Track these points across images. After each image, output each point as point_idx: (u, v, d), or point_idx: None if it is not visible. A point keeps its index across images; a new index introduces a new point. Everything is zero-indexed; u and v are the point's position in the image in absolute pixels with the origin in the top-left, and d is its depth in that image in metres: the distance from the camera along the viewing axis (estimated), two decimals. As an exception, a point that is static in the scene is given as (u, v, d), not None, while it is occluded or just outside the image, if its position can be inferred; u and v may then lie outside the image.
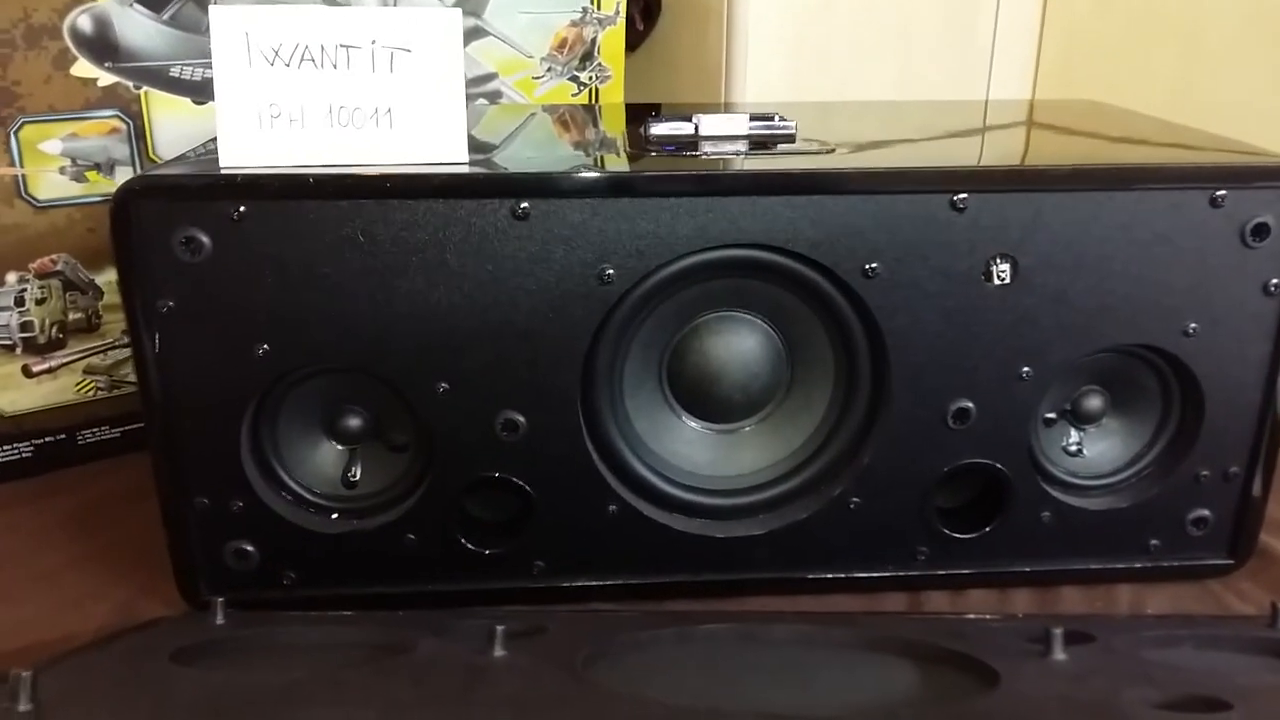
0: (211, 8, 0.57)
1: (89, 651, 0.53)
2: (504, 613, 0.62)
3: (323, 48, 0.57)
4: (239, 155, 0.58)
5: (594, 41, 0.94)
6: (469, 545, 0.65)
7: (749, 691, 0.52)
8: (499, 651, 0.50)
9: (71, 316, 0.83)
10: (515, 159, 0.68)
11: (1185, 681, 0.48)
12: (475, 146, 0.67)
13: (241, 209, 0.57)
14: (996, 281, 0.62)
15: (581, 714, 0.46)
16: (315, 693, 0.48)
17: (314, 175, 0.57)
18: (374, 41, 0.57)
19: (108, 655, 0.53)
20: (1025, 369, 0.63)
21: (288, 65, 0.57)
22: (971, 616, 0.65)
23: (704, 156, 0.65)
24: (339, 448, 0.65)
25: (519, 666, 0.50)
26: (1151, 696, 0.46)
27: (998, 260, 0.61)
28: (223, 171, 0.58)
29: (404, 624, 0.57)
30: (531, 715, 0.46)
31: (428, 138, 0.59)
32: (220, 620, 0.57)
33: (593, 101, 0.96)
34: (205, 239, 0.57)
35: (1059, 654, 0.50)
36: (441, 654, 0.52)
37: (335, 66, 0.57)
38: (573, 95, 0.95)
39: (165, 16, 0.79)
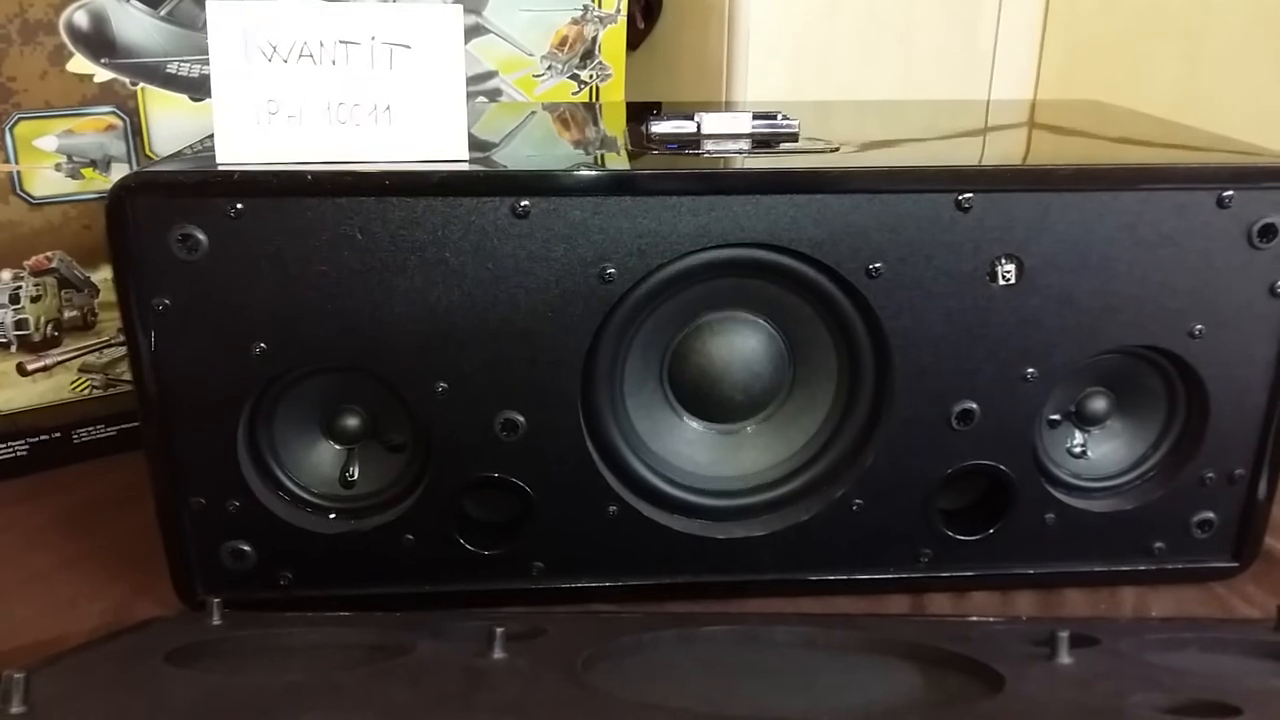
0: (209, 3, 0.56)
1: (83, 652, 0.53)
2: (503, 614, 0.61)
3: (321, 44, 0.56)
4: (236, 152, 0.57)
5: (595, 40, 0.93)
6: (468, 546, 0.64)
7: (750, 694, 0.52)
8: (498, 654, 0.50)
9: (67, 314, 0.82)
10: (515, 157, 0.67)
11: (1192, 685, 0.47)
12: (475, 145, 0.66)
13: (239, 206, 0.56)
14: (1001, 282, 0.61)
15: (582, 718, 0.46)
16: (311, 695, 0.47)
17: (312, 172, 0.57)
18: (373, 38, 0.57)
19: (102, 656, 0.52)
20: (1030, 370, 0.63)
21: (286, 61, 0.56)
22: (975, 619, 0.65)
23: (706, 155, 0.64)
24: (337, 447, 0.64)
25: (518, 669, 0.49)
26: (1158, 701, 0.45)
27: (1002, 260, 0.61)
28: (220, 168, 0.57)
29: (402, 625, 0.56)
30: (531, 719, 0.45)
31: (427, 135, 0.59)
32: (216, 620, 0.57)
33: (593, 100, 0.95)
34: (202, 236, 0.57)
35: (1064, 657, 0.50)
36: (440, 656, 0.51)
37: (334, 63, 0.57)
38: (573, 93, 0.94)
39: (162, 12, 0.78)
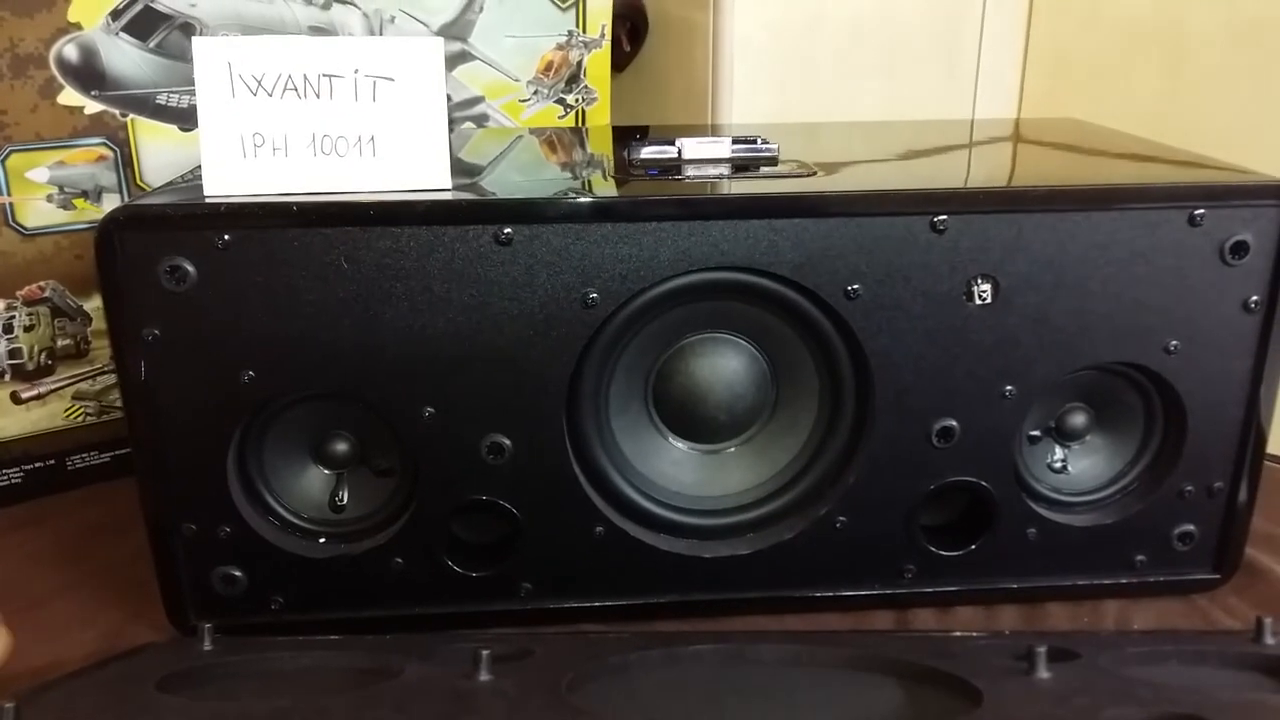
0: (195, 39, 0.57)
1: (75, 680, 0.53)
2: (491, 635, 0.62)
3: (305, 77, 0.57)
4: (223, 184, 0.58)
5: (580, 64, 0.94)
6: (456, 568, 0.65)
7: (735, 713, 0.52)
8: (484, 676, 0.50)
9: (60, 343, 0.83)
10: (500, 183, 0.68)
11: (1168, 699, 0.48)
12: (461, 170, 0.67)
13: (226, 238, 0.57)
14: (978, 302, 0.62)
15: None
16: None
17: (298, 203, 0.58)
18: (356, 71, 0.58)
19: (94, 684, 0.53)
20: (1008, 388, 0.64)
21: (270, 95, 0.57)
22: (958, 634, 0.65)
23: (687, 180, 0.65)
24: (326, 472, 0.65)
25: (504, 691, 0.50)
26: (1133, 715, 0.46)
27: (978, 281, 0.62)
28: (207, 201, 0.58)
29: (390, 648, 0.57)
30: None
31: (410, 165, 0.60)
32: (207, 646, 0.57)
33: (579, 124, 0.96)
34: (190, 267, 0.58)
35: (1043, 672, 0.50)
36: (427, 679, 0.52)
37: (318, 96, 0.58)
38: (559, 118, 0.96)
39: (151, 45, 0.79)
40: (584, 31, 0.93)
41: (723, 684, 0.55)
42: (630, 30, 1.12)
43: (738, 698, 0.54)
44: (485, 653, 0.51)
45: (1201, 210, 0.61)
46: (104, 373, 0.85)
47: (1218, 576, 0.70)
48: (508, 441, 0.62)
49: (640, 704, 0.52)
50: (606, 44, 0.94)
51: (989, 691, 0.49)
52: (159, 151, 0.82)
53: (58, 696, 0.50)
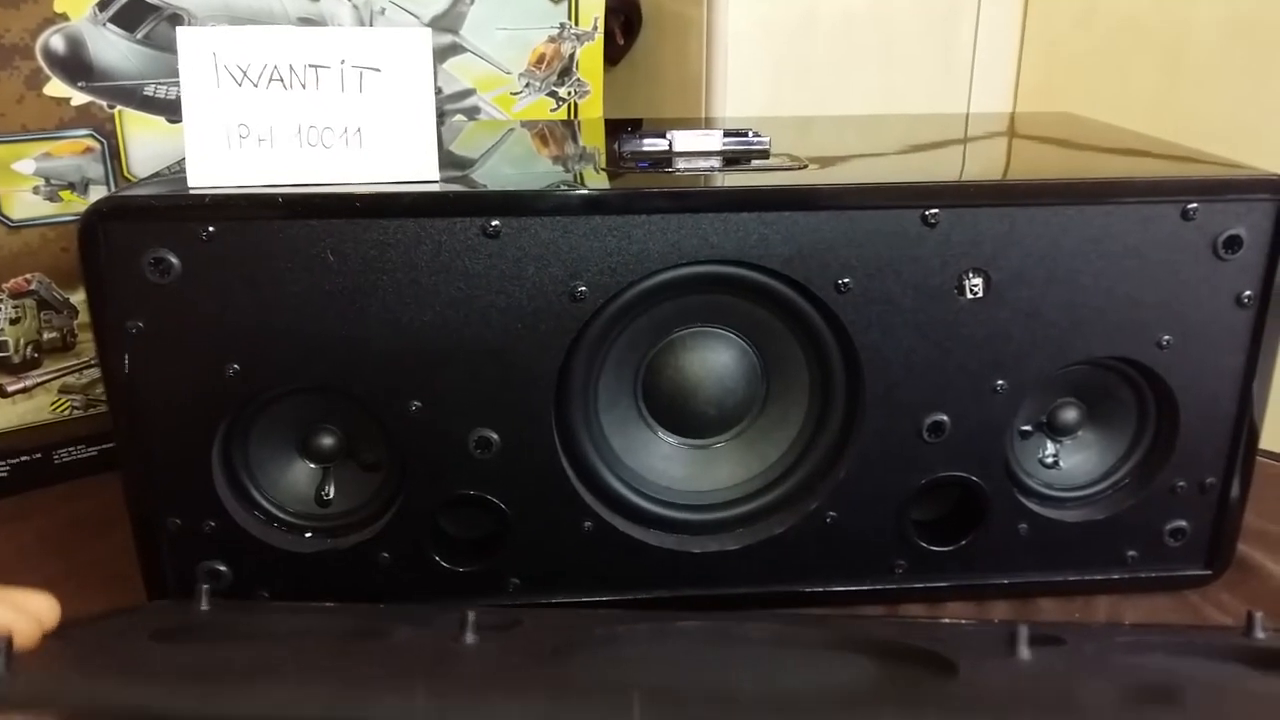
0: (180, 29, 0.56)
1: (71, 628, 0.53)
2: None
3: (291, 68, 0.57)
4: (208, 175, 0.58)
5: (572, 57, 0.94)
6: (443, 563, 0.65)
7: (717, 682, 0.52)
8: (470, 639, 0.50)
9: (46, 336, 0.82)
10: (490, 175, 0.68)
11: (1146, 678, 0.48)
12: (451, 163, 0.67)
13: (210, 229, 0.57)
14: (969, 296, 0.62)
15: (541, 691, 0.46)
16: (282, 665, 0.47)
17: (283, 195, 0.57)
18: (343, 61, 0.57)
19: (89, 631, 0.53)
20: (999, 382, 0.63)
21: (256, 85, 0.57)
22: (946, 621, 0.65)
23: (677, 173, 0.65)
24: (312, 467, 0.65)
25: (488, 653, 0.49)
26: (1108, 687, 0.46)
27: (970, 274, 0.61)
28: (191, 192, 0.57)
29: (383, 615, 0.57)
30: (491, 691, 0.46)
31: (398, 156, 0.59)
32: (204, 606, 0.57)
33: (572, 117, 0.96)
34: (174, 259, 0.57)
35: (1023, 652, 0.50)
36: (414, 640, 0.51)
37: (304, 86, 0.57)
38: (551, 110, 0.95)
39: (139, 36, 0.79)
40: (576, 24, 0.93)
41: (706, 657, 0.55)
42: (624, 23, 1.11)
43: (718, 670, 0.53)
44: (472, 615, 0.50)
45: (1195, 204, 0.61)
46: (90, 366, 0.84)
47: (1209, 572, 0.70)
48: (495, 436, 0.62)
49: (621, 673, 0.52)
50: (599, 37, 0.94)
51: (965, 666, 0.48)
52: (146, 143, 0.81)
53: (51, 639, 0.50)
